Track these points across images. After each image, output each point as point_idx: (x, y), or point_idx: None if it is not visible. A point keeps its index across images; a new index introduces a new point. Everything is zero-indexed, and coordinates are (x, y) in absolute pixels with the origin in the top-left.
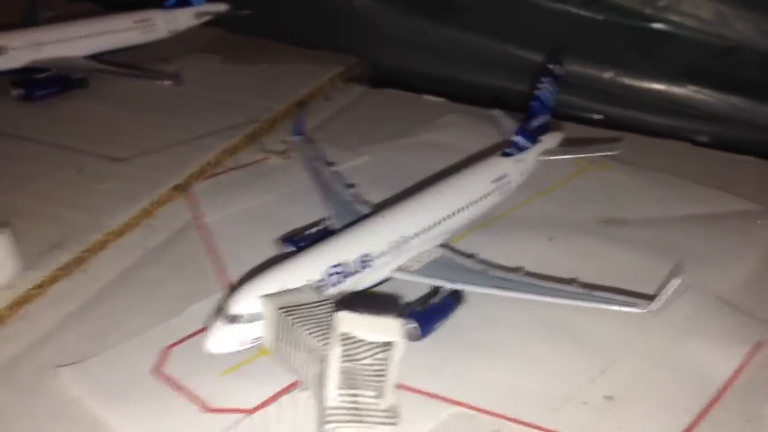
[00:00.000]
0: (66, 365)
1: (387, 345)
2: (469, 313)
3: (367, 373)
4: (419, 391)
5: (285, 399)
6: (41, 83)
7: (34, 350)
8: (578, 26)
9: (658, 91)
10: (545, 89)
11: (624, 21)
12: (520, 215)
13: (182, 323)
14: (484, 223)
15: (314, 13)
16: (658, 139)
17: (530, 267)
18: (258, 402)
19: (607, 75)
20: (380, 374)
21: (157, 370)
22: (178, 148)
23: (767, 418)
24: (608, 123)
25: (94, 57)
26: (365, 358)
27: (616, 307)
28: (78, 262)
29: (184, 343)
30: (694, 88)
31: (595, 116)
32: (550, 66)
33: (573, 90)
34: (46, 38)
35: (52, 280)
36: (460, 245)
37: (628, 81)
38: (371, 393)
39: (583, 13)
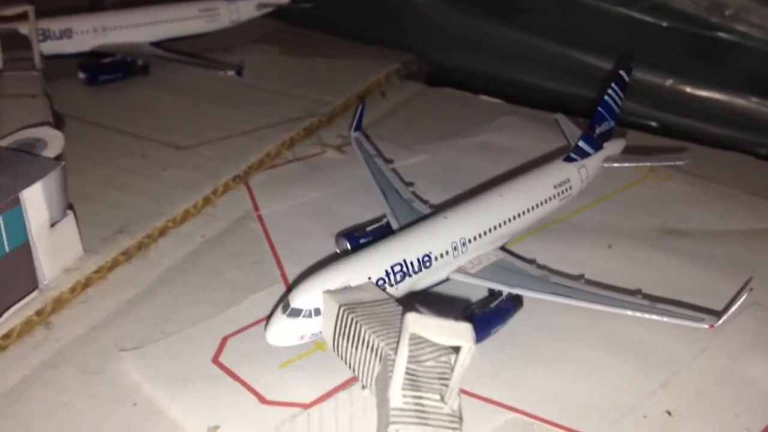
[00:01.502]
0: (128, 350)
1: (451, 348)
2: (527, 319)
3: (430, 375)
4: (477, 396)
5: (341, 395)
6: (106, 68)
7: (95, 333)
8: (641, 31)
9: (720, 101)
10: (613, 96)
11: (688, 28)
12: (579, 220)
13: (240, 314)
14: (542, 227)
15: (374, 9)
16: (719, 150)
17: (589, 274)
18: (314, 397)
19: (668, 82)
20: (443, 377)
21: (216, 359)
22: (239, 139)
23: None
24: (667, 131)
25: (158, 44)
26: (428, 360)
27: (682, 322)
28: (139, 247)
29: (241, 334)
30: (757, 99)
31: (652, 123)
32: (622, 73)
33: (632, 96)
34: (112, 23)
35: (114, 264)
36: (518, 248)
37: (689, 89)
38: (435, 396)
39: (647, 18)
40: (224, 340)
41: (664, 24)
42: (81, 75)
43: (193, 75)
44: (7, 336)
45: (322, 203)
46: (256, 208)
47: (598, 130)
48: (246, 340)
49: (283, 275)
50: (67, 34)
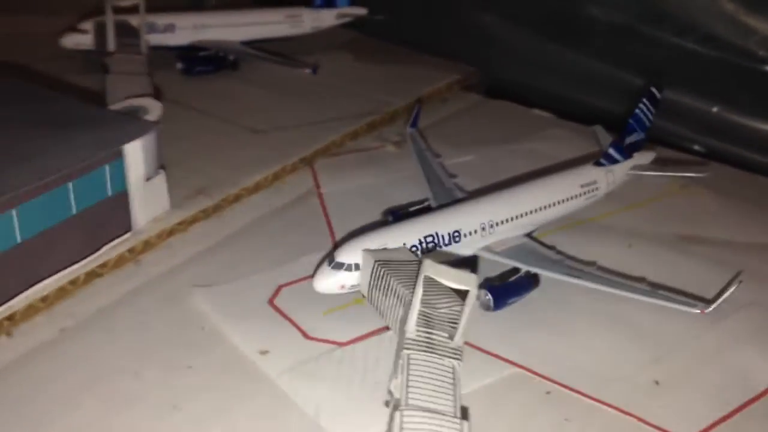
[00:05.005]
0: (201, 286)
1: (462, 299)
2: (543, 296)
3: (443, 319)
4: (488, 352)
5: (372, 339)
6: (201, 60)
7: (175, 272)
8: (691, 59)
9: (762, 130)
10: (644, 110)
11: (736, 60)
12: (609, 222)
13: (295, 269)
14: (574, 223)
15: (445, 25)
16: (753, 174)
17: (605, 265)
18: (349, 338)
19: (714, 109)
20: (454, 322)
21: (271, 302)
22: (309, 127)
23: None
24: (711, 155)
25: (248, 43)
26: (443, 308)
27: (676, 306)
28: (216, 209)
29: (295, 285)
30: None
31: (697, 147)
32: (653, 89)
33: (679, 120)
34: (210, 22)
35: (194, 220)
36: (549, 239)
37: (734, 117)
38: (444, 334)
39: (699, 48)
40: (279, 287)
41: (713, 54)
42: (179, 65)
43: (275, 72)
44: (103, 266)
45: (376, 188)
46: (318, 187)
47: (627, 141)
48: (298, 290)
49: (334, 242)
50: (170, 28)
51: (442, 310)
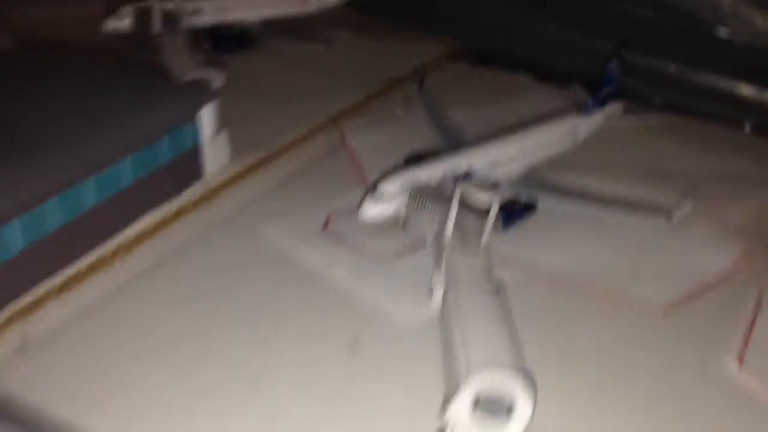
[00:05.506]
0: (264, 220)
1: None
2: (539, 218)
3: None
4: (499, 260)
5: (412, 253)
6: (226, 39)
7: (243, 211)
8: (651, 26)
9: (714, 84)
10: (615, 70)
11: (690, 25)
12: (586, 162)
13: (339, 203)
14: (557, 164)
15: (436, 4)
16: (704, 120)
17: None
18: (393, 251)
19: (672, 68)
20: (479, 234)
21: (325, 227)
22: (331, 93)
23: (743, 302)
24: (670, 107)
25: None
26: (471, 220)
27: (649, 218)
28: (265, 160)
29: (343, 215)
30: (743, 83)
31: (657, 100)
32: (621, 52)
33: (643, 78)
34: (230, 5)
35: (250, 169)
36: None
37: (688, 74)
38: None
39: (658, 16)
40: (330, 217)
41: (671, 21)
42: (207, 45)
43: (290, 49)
44: (185, 206)
45: (391, 142)
46: (346, 141)
47: (602, 94)
48: (345, 219)
49: (368, 181)
50: (197, 11)
51: (472, 225)
